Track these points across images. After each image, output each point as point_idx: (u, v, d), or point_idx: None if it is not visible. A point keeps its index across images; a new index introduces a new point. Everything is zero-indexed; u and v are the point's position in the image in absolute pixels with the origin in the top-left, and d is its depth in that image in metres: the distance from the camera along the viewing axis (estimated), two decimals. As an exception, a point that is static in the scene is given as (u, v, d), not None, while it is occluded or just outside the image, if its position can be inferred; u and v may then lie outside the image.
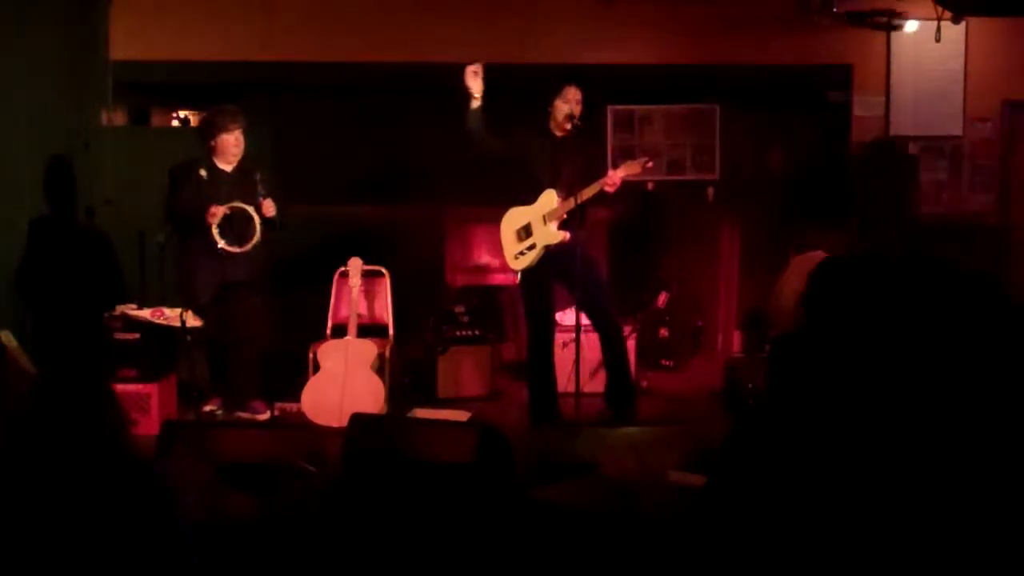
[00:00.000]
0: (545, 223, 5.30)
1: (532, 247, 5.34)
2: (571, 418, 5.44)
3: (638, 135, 7.34)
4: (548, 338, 5.51)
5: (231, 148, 5.45)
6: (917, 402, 2.40)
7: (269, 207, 5.38)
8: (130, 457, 2.48)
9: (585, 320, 5.42)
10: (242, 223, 5.37)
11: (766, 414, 3.11)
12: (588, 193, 5.19)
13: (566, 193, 5.26)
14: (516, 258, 5.41)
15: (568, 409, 5.53)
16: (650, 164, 5.25)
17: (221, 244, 5.33)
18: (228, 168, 5.49)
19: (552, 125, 5.35)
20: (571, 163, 5.30)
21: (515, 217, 5.43)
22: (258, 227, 5.36)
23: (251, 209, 5.34)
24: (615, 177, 5.15)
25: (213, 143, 5.47)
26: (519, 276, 5.48)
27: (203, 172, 5.41)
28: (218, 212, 5.30)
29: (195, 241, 5.44)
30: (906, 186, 2.76)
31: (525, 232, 5.37)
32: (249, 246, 5.36)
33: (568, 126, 5.26)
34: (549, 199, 5.31)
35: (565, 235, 5.27)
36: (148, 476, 2.46)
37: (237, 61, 6.84)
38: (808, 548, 2.76)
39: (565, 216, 5.27)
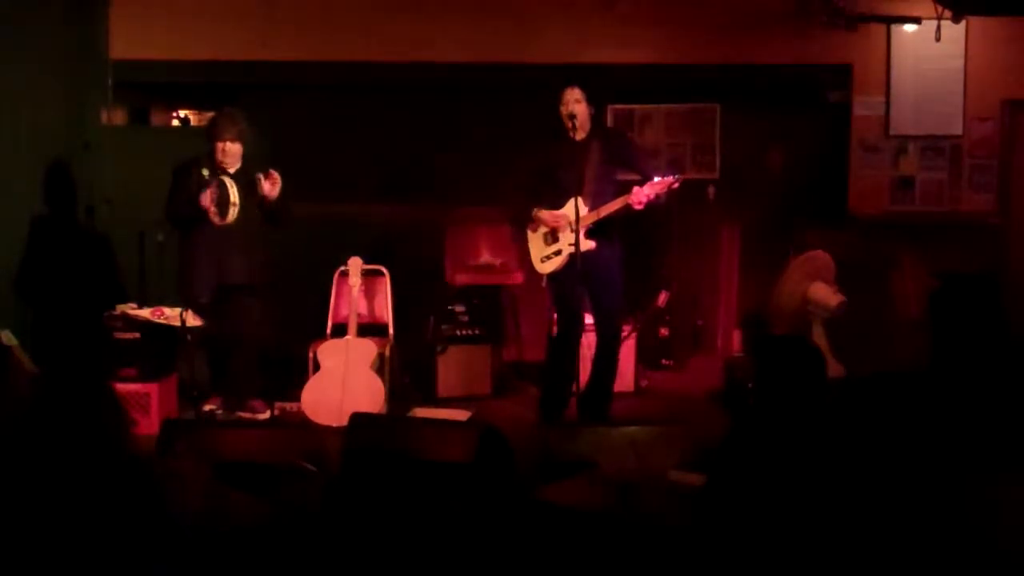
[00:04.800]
0: (571, 229, 5.30)
1: (559, 252, 5.34)
2: (571, 417, 5.45)
3: (638, 135, 7.34)
4: (575, 340, 5.47)
5: (223, 156, 5.46)
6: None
7: (271, 184, 5.35)
8: (129, 456, 2.48)
9: (588, 320, 5.45)
10: (224, 197, 5.34)
11: (761, 413, 3.12)
12: (612, 208, 5.20)
13: (591, 200, 5.26)
14: (543, 261, 5.42)
15: (568, 408, 5.53)
16: (676, 184, 5.24)
17: (216, 220, 5.31)
18: (231, 170, 5.48)
19: (569, 128, 5.34)
20: (592, 169, 5.29)
21: None
22: (234, 195, 5.30)
23: (227, 180, 5.32)
24: (641, 195, 5.17)
25: (212, 146, 5.48)
26: (546, 279, 5.49)
27: (205, 172, 5.42)
28: (207, 195, 5.31)
29: (193, 240, 5.44)
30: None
31: (552, 237, 5.37)
32: (230, 215, 5.31)
33: (569, 125, 5.26)
34: (575, 206, 5.30)
35: (591, 244, 5.27)
36: (147, 475, 2.46)
37: (237, 61, 6.84)
38: (805, 545, 2.76)
39: (592, 225, 5.27)
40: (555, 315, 5.55)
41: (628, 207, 5.19)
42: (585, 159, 5.29)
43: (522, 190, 5.43)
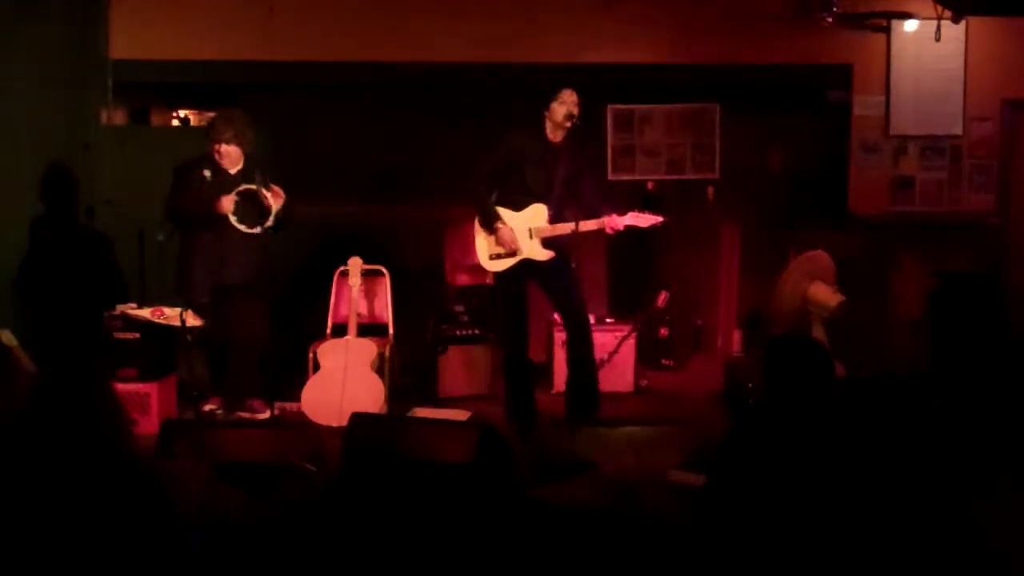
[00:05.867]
0: (531, 236, 5.30)
1: (512, 254, 5.34)
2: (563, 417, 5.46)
3: (638, 135, 7.34)
4: (523, 339, 5.53)
5: (220, 158, 5.45)
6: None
7: (276, 194, 5.36)
8: (129, 456, 2.48)
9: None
10: (253, 204, 5.35)
11: (764, 413, 3.12)
12: (587, 227, 5.23)
13: (554, 207, 5.28)
14: (491, 259, 5.41)
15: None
16: (659, 223, 5.27)
17: (242, 228, 5.32)
18: (232, 170, 5.48)
19: (548, 129, 5.34)
20: (561, 174, 5.30)
21: None
22: (272, 203, 5.33)
23: (260, 188, 5.32)
24: (618, 223, 5.20)
25: (211, 147, 5.48)
26: (494, 277, 5.51)
27: (207, 173, 5.42)
28: (227, 202, 5.30)
29: (193, 240, 5.44)
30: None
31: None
32: (270, 221, 5.34)
33: (568, 125, 5.26)
34: (538, 213, 5.31)
35: (550, 254, 5.29)
36: (147, 475, 2.46)
37: (237, 61, 6.83)
38: (805, 545, 2.76)
39: (553, 236, 5.30)
40: (503, 315, 5.58)
41: (600, 230, 5.24)
42: (555, 163, 5.30)
43: (484, 183, 5.42)
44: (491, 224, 5.32)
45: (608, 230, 5.23)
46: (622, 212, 5.26)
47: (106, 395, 2.55)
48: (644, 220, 5.24)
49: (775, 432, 3.01)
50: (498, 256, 5.37)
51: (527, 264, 5.33)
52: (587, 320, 5.52)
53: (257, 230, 5.35)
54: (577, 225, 5.24)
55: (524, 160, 5.32)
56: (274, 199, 5.34)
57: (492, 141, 5.47)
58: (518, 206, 5.34)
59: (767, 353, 3.20)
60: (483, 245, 5.42)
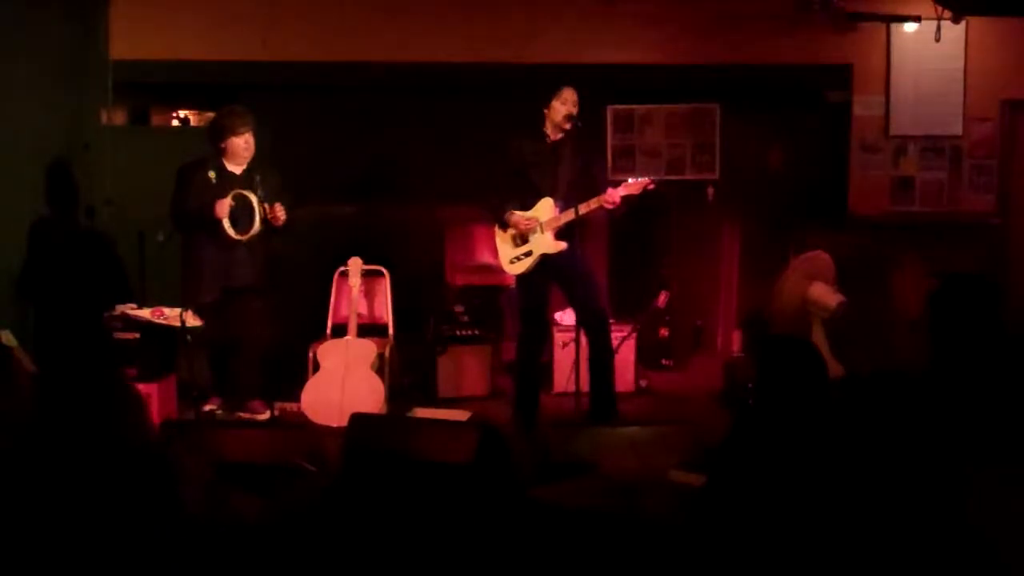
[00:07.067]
0: (542, 232, 5.32)
1: (528, 254, 5.36)
2: (571, 417, 5.45)
3: (638, 135, 7.34)
4: (540, 339, 5.55)
5: (240, 151, 5.44)
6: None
7: (278, 213, 5.36)
8: (142, 446, 2.47)
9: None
10: (245, 211, 5.36)
11: (761, 414, 3.12)
12: (587, 208, 5.23)
13: (563, 202, 5.29)
14: (512, 263, 5.43)
15: (568, 409, 5.53)
16: (651, 186, 5.27)
17: (232, 234, 5.32)
18: (237, 170, 5.47)
19: (547, 128, 5.35)
20: (566, 170, 5.32)
21: None
22: (257, 215, 5.33)
23: (252, 196, 5.32)
24: (615, 196, 5.19)
25: (223, 145, 5.45)
26: (516, 280, 5.52)
27: (212, 174, 5.40)
28: (224, 206, 5.29)
29: (200, 242, 5.42)
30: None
31: (521, 239, 5.38)
32: (252, 233, 5.34)
33: (568, 126, 5.26)
34: (546, 207, 5.33)
35: (562, 245, 5.30)
36: (156, 468, 2.46)
37: (237, 61, 6.83)
38: (804, 545, 2.77)
39: (563, 225, 5.30)
40: (520, 314, 5.58)
41: (601, 207, 5.23)
42: (558, 160, 5.32)
43: (497, 190, 5.44)
44: (504, 218, 5.35)
45: (607, 205, 5.22)
46: (616, 185, 5.27)
47: (121, 385, 2.55)
48: (635, 186, 5.23)
49: (773, 432, 3.01)
50: (517, 259, 5.40)
51: (545, 262, 5.34)
52: (606, 316, 5.52)
53: (241, 237, 5.34)
54: (577, 208, 5.25)
55: (526, 163, 5.34)
56: (273, 219, 5.35)
57: (491, 142, 5.48)
58: (527, 206, 5.36)
59: (759, 354, 3.21)
60: (504, 249, 5.45)
